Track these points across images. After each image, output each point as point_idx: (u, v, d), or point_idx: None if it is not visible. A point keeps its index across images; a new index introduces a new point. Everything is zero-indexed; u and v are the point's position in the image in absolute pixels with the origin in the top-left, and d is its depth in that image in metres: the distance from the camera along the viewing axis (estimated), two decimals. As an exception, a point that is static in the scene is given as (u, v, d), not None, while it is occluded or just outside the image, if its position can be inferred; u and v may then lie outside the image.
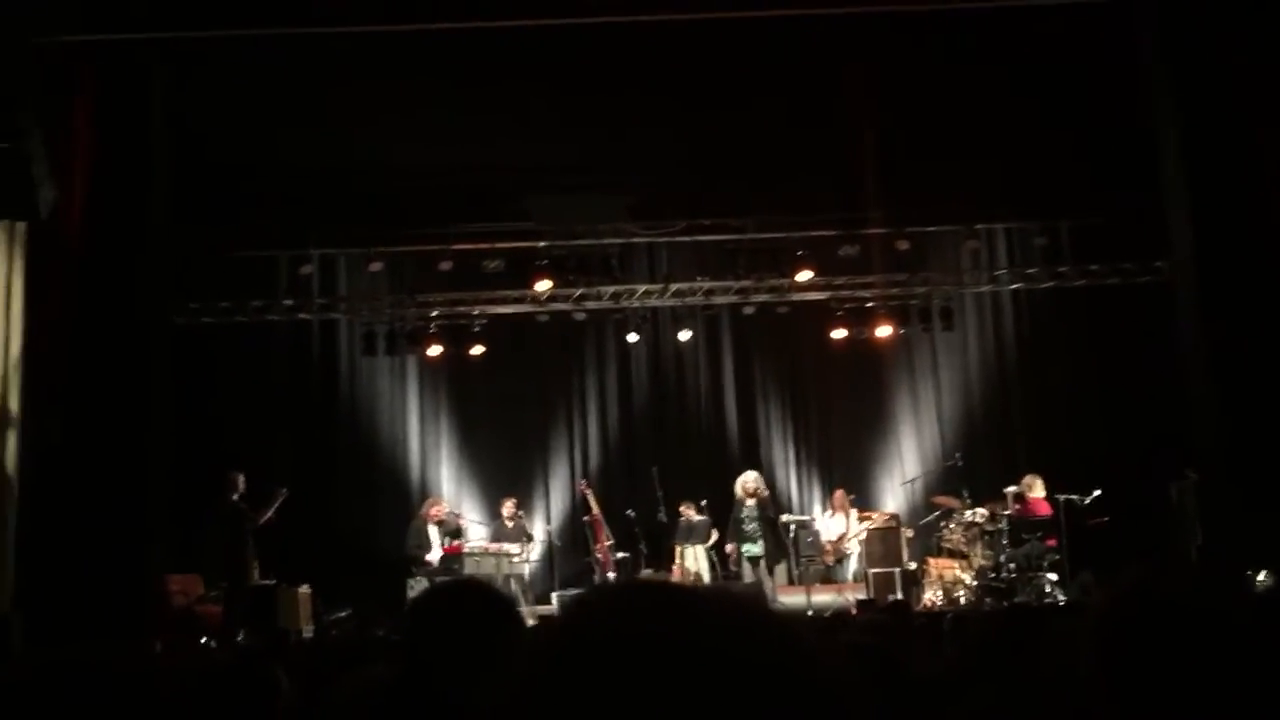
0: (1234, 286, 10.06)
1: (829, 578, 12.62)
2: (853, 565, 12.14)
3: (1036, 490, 11.58)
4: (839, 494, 12.69)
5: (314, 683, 4.25)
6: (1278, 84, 9.70)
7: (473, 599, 1.75)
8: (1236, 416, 9.91)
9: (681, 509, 12.33)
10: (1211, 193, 10.24)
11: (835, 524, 12.46)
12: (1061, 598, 10.56)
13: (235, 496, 10.72)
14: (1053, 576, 10.91)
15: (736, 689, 0.70)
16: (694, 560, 12.12)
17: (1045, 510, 11.36)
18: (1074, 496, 11.29)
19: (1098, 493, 11.26)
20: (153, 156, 9.62)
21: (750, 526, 11.69)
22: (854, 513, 12.48)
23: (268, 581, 10.73)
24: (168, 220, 9.93)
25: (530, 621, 5.34)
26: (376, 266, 12.90)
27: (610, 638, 0.72)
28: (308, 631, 10.64)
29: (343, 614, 10.90)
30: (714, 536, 12.19)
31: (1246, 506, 9.66)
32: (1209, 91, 10.14)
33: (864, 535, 12.09)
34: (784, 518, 12.28)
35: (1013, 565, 11.00)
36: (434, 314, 13.23)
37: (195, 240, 11.21)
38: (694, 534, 11.98)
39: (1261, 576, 8.92)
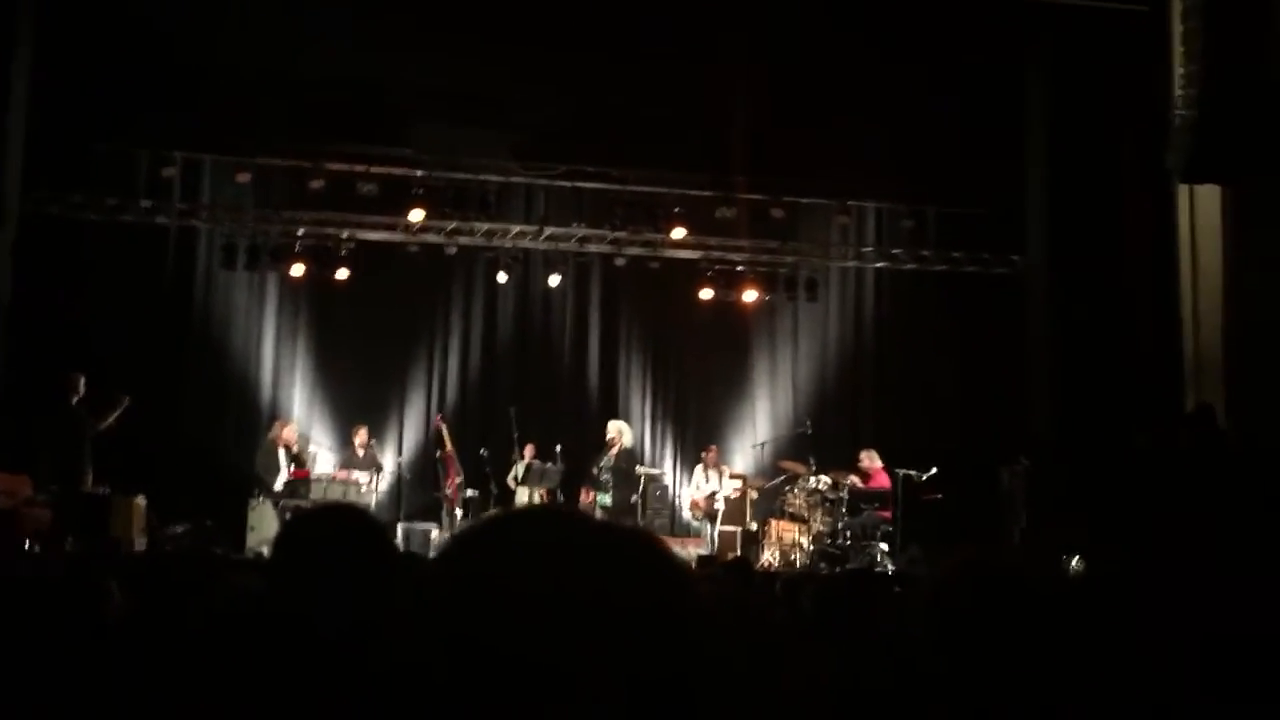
0: (1080, 290, 10.60)
1: (672, 531, 12.89)
2: (718, 523, 12.37)
3: (874, 463, 12.02)
4: (712, 451, 12.89)
5: (151, 595, 4.17)
6: (1144, 104, 10.17)
7: (348, 523, 1.76)
8: (1069, 411, 10.48)
9: (525, 452, 12.37)
10: (1070, 198, 10.74)
11: (707, 481, 12.65)
12: (890, 567, 11.02)
13: (75, 399, 10.32)
14: (884, 547, 11.38)
15: (621, 607, 0.74)
16: (536, 502, 12.16)
17: (884, 483, 11.81)
18: (911, 472, 11.76)
19: (934, 470, 11.74)
20: (17, 31, 9.09)
21: (605, 477, 11.80)
22: (725, 470, 12.74)
23: (102, 489, 10.38)
24: (23, 101, 9.42)
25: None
26: (245, 177, 12.46)
27: (508, 557, 0.76)
28: (140, 544, 10.34)
29: (179, 529, 10.63)
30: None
31: (1069, 496, 10.24)
32: (1079, 103, 10.58)
33: (733, 494, 12.37)
34: (638, 469, 12.43)
35: (849, 533, 11.42)
36: (300, 233, 12.88)
37: (50, 125, 10.65)
38: (545, 479, 12.05)
39: (1074, 563, 9.46)
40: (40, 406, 10.27)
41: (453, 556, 0.78)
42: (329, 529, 1.76)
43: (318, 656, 1.65)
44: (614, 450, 11.85)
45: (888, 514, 11.59)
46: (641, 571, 0.77)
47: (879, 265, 14.21)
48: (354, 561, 1.69)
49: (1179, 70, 9.24)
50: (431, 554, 11.04)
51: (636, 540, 0.80)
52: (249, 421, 12.85)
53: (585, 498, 12.12)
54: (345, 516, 1.81)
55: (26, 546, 9.40)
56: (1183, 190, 9.93)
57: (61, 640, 3.24)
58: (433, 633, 0.74)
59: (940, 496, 11.66)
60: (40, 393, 10.31)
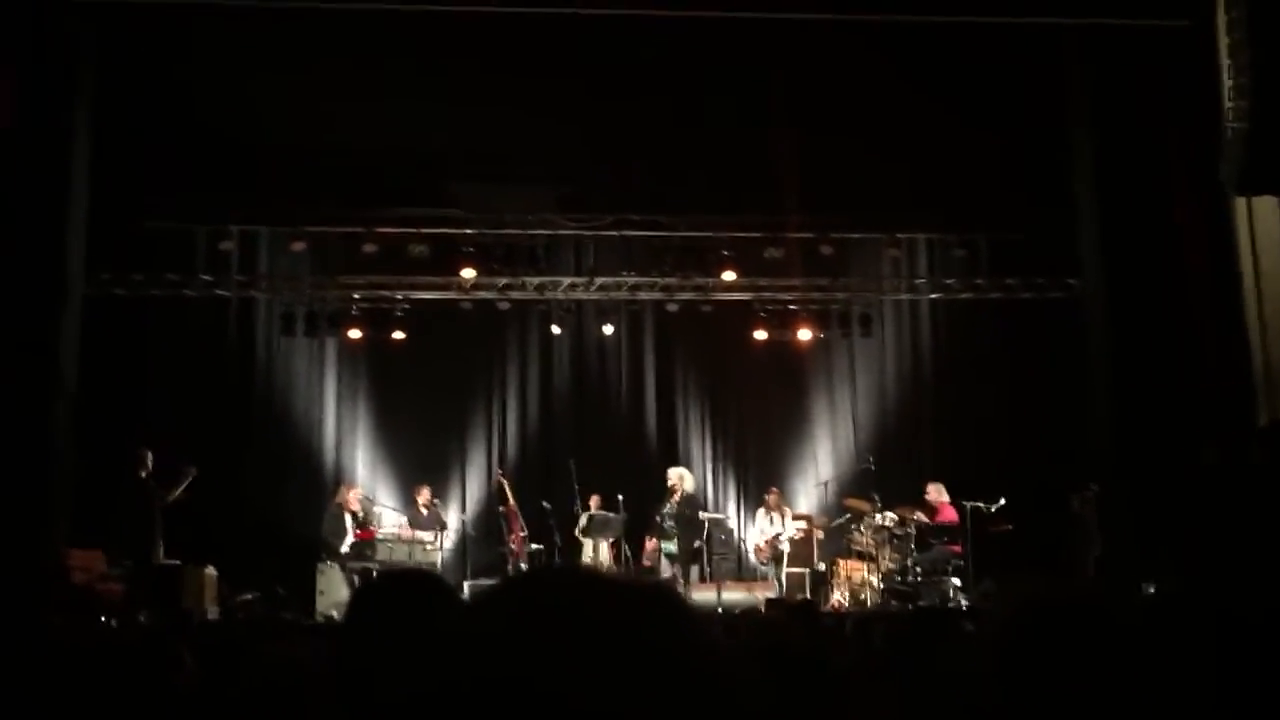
0: (1139, 308, 10.42)
1: (739, 575, 12.78)
2: (784, 565, 12.23)
3: (940, 496, 11.84)
4: (774, 494, 12.76)
5: (221, 664, 4.21)
6: (1191, 118, 10.05)
7: (419, 587, 1.77)
8: (1135, 433, 10.26)
9: (591, 503, 12.36)
10: (1122, 217, 10.59)
11: (771, 524, 12.53)
12: (964, 602, 10.81)
13: (143, 473, 10.51)
14: (956, 581, 11.17)
15: (639, 669, 0.74)
16: (598, 554, 12.13)
17: (952, 517, 11.62)
18: (980, 504, 11.56)
19: (1003, 501, 11.54)
20: (75, 118, 9.38)
21: (669, 524, 11.74)
22: (788, 511, 12.62)
23: (173, 561, 10.53)
24: (85, 186, 9.70)
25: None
26: (300, 246, 12.72)
27: (527, 615, 0.76)
28: (213, 613, 10.46)
29: (249, 596, 10.74)
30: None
31: (1141, 521, 10.01)
32: (1126, 121, 10.47)
33: (797, 535, 12.25)
34: (701, 514, 12.36)
35: (919, 569, 11.24)
36: (356, 297, 13.08)
37: (111, 207, 10.94)
38: (608, 528, 12.02)
39: (1153, 589, 9.23)
40: (110, 482, 10.46)
41: (471, 617, 0.79)
42: (400, 595, 1.76)
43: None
44: (676, 497, 11.80)
45: (958, 548, 11.39)
46: (660, 625, 0.77)
47: (933, 296, 14.10)
48: (425, 628, 1.69)
49: (1228, 83, 9.11)
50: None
51: (654, 593, 0.80)
52: (314, 486, 12.99)
53: (650, 546, 12.06)
54: (417, 582, 1.81)
55: (103, 620, 9.55)
56: (1240, 202, 9.76)
57: (139, 710, 3.28)
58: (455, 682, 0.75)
59: (1010, 527, 11.45)
60: (110, 469, 10.51)
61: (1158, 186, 10.40)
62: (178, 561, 10.55)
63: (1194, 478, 8.83)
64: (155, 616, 9.51)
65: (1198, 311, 10.08)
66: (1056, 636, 1.62)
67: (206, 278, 12.85)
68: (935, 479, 12.07)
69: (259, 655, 2.65)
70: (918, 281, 14.09)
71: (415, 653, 0.78)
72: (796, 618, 4.19)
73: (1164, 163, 10.41)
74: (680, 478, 11.96)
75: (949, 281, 13.81)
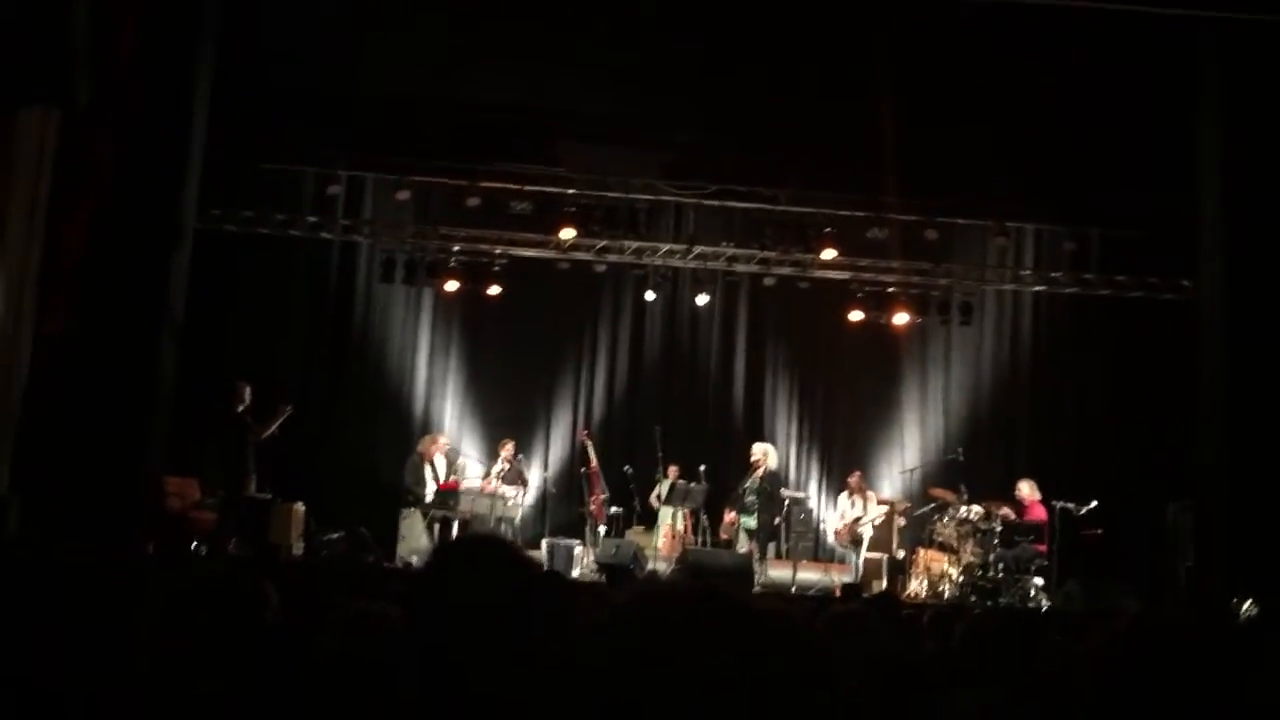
0: (1257, 315, 10.02)
1: (816, 555, 12.71)
2: (864, 549, 12.14)
3: (1032, 494, 11.61)
4: (857, 476, 12.63)
5: (304, 604, 4.29)
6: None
7: (501, 560, 1.76)
8: (1243, 445, 9.91)
9: (670, 472, 12.38)
10: (1247, 220, 10.18)
11: (853, 507, 12.43)
12: (1045, 604, 10.61)
13: (240, 408, 10.78)
14: (1039, 582, 10.95)
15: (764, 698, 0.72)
16: (676, 523, 12.13)
17: (1040, 515, 11.39)
18: (1070, 505, 11.32)
19: (1094, 504, 11.28)
20: (196, 60, 9.58)
21: (750, 499, 11.70)
22: (871, 496, 12.50)
23: (263, 495, 10.82)
24: (204, 124, 9.91)
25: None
26: (404, 195, 12.87)
27: (652, 639, 0.75)
28: (298, 549, 10.75)
29: (334, 535, 10.99)
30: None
31: (1240, 535, 9.69)
32: (1257, 122, 10.04)
33: (880, 520, 12.14)
34: (782, 492, 12.29)
35: (1001, 566, 11.04)
36: (455, 249, 13.21)
37: (225, 146, 11.18)
38: (689, 499, 12.02)
39: (1247, 605, 8.95)
40: (208, 414, 10.76)
41: (608, 631, 0.77)
42: (474, 565, 1.76)
43: (452, 693, 1.64)
44: (759, 472, 11.74)
45: (1043, 548, 11.16)
46: (787, 653, 0.74)
47: (1037, 289, 13.76)
48: (498, 601, 1.68)
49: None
50: (576, 571, 11.14)
51: (779, 621, 0.78)
52: (402, 432, 13.21)
53: (728, 518, 12.05)
54: (492, 551, 1.81)
55: (193, 546, 9.87)
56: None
57: (225, 643, 3.36)
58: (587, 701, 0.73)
59: (1100, 532, 11.18)
60: (210, 400, 10.81)
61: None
62: (269, 495, 10.84)
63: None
64: (244, 547, 9.80)
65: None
66: (1163, 665, 1.55)
67: (312, 219, 13.09)
68: (1027, 476, 11.83)
69: (341, 607, 2.68)
70: (1023, 272, 13.76)
71: (537, 665, 0.77)
72: (875, 611, 4.12)
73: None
74: (765, 453, 11.89)
75: (1056, 274, 13.47)
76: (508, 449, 12.48)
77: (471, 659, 1.57)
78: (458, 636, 1.62)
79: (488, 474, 12.40)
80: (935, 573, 11.34)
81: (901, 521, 12.39)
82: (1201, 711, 1.51)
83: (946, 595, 10.91)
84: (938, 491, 12.18)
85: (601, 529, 12.17)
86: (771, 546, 12.07)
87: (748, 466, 11.92)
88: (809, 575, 11.70)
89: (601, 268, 13.47)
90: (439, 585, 1.74)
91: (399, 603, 2.71)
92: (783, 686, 0.74)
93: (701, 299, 13.71)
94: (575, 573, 11.13)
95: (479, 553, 1.80)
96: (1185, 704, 1.52)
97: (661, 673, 0.73)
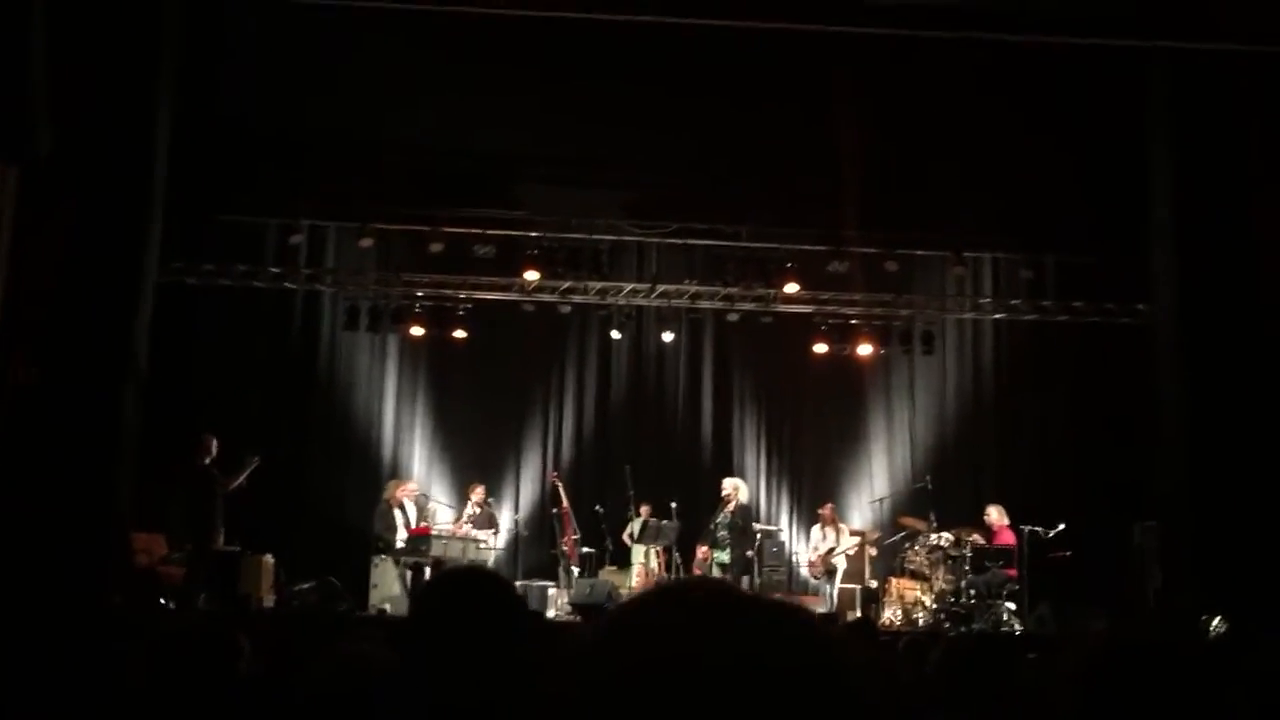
0: (1213, 336, 10.19)
1: (789, 588, 12.71)
2: (838, 580, 12.16)
3: (1001, 519, 11.69)
4: (829, 508, 12.66)
5: (279, 652, 4.27)
6: (1272, 145, 9.83)
7: (484, 588, 1.78)
8: (1202, 465, 10.04)
9: (642, 510, 12.36)
10: (1199, 244, 10.37)
11: (825, 539, 12.45)
12: (1018, 628, 10.66)
13: (207, 460, 10.68)
14: (1011, 606, 11.02)
15: (781, 693, 0.73)
16: (649, 561, 12.11)
17: (1009, 540, 11.47)
18: (1038, 528, 11.41)
19: (1061, 527, 11.38)
20: (156, 111, 9.57)
21: (722, 534, 11.71)
22: (844, 527, 12.53)
23: (232, 548, 10.70)
24: (164, 176, 9.89)
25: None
26: (367, 243, 12.87)
27: (669, 639, 0.76)
28: (269, 600, 10.61)
29: (305, 586, 10.87)
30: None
31: (1205, 553, 9.80)
32: (1207, 148, 10.26)
33: (853, 550, 12.16)
34: (754, 526, 12.31)
35: (973, 592, 11.10)
36: (419, 294, 13.21)
37: (183, 199, 11.14)
38: (661, 536, 12.01)
39: (1214, 625, 9.03)
40: (174, 467, 10.64)
41: (611, 634, 0.78)
42: (466, 594, 1.77)
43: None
44: (730, 507, 11.76)
45: (1013, 572, 11.24)
46: (803, 646, 0.76)
47: (997, 316, 13.94)
48: (490, 628, 1.70)
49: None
50: (551, 613, 11.08)
51: (793, 615, 0.80)
52: (371, 480, 13.12)
53: (701, 554, 12.03)
54: (483, 582, 1.82)
55: (162, 602, 9.72)
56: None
57: (200, 693, 3.33)
58: (595, 712, 0.74)
59: (1069, 554, 11.28)
60: (174, 454, 10.69)
61: (1237, 212, 10.18)
62: (237, 548, 10.72)
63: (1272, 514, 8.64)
64: (214, 601, 9.68)
65: (1276, 342, 9.85)
66: (1144, 675, 1.60)
67: (275, 269, 13.04)
68: (995, 501, 11.92)
69: (327, 650, 2.68)
70: (982, 301, 13.94)
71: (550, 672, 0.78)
72: (854, 635, 4.15)
73: (1245, 188, 10.19)
74: (735, 488, 11.91)
75: (1014, 302, 13.65)
76: (478, 493, 12.42)
77: (470, 686, 1.58)
78: (454, 663, 1.63)
79: (459, 518, 12.33)
80: (908, 600, 11.38)
81: (873, 551, 12.44)
82: (1181, 716, 1.55)
83: (920, 622, 10.94)
84: (907, 520, 12.25)
85: (575, 569, 12.11)
86: (745, 580, 12.04)
87: (718, 502, 11.94)
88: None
89: (566, 309, 13.50)
90: (433, 615, 1.76)
91: (383, 645, 2.72)
92: (805, 681, 0.75)
93: (667, 336, 13.77)
94: (550, 614, 11.07)
95: (469, 585, 1.82)
96: (1162, 715, 1.56)
97: (678, 670, 0.74)
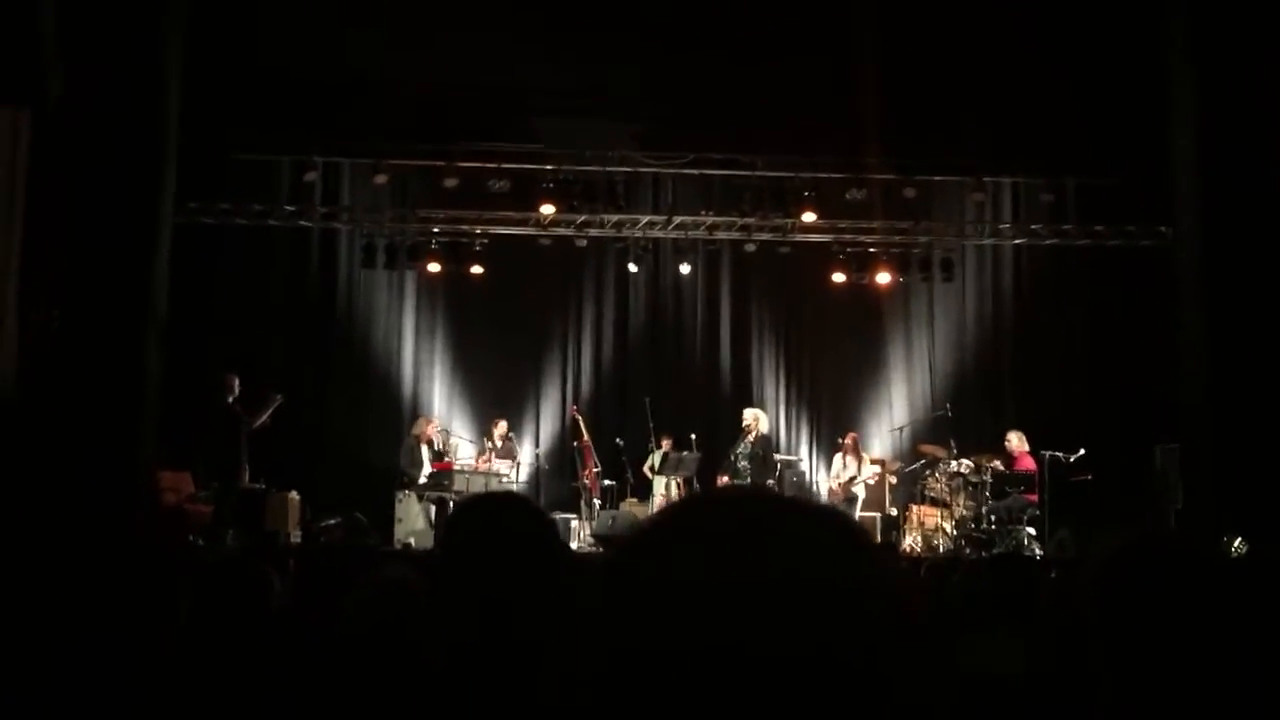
0: (1236, 258, 10.09)
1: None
2: (858, 508, 12.23)
3: (1021, 445, 11.70)
4: (851, 437, 12.67)
5: (308, 587, 4.32)
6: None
7: (513, 511, 1.79)
8: (1223, 387, 10.00)
9: (663, 442, 12.42)
10: (1221, 165, 10.23)
11: (846, 467, 12.49)
12: (1038, 552, 10.72)
13: (230, 399, 10.76)
14: (1031, 531, 11.07)
15: (827, 601, 0.73)
16: (669, 492, 12.20)
17: (1029, 465, 11.49)
18: (1059, 454, 11.42)
19: (1082, 451, 11.38)
20: (166, 50, 9.49)
21: (742, 464, 11.76)
22: (865, 456, 12.57)
23: (257, 485, 10.82)
24: (177, 116, 9.84)
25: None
26: (381, 179, 12.81)
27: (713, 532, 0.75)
28: (295, 536, 10.76)
29: (331, 522, 11.00)
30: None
31: (1226, 475, 9.79)
32: (1229, 68, 10.07)
33: (872, 479, 12.21)
34: (774, 456, 12.36)
35: (993, 517, 11.15)
36: (435, 230, 13.18)
37: (197, 138, 11.09)
38: (681, 467, 12.07)
39: (1236, 544, 9.05)
40: (198, 407, 10.73)
41: (636, 551, 0.77)
42: (499, 516, 1.79)
43: (478, 654, 1.68)
44: (750, 437, 11.79)
45: (1034, 497, 11.27)
46: (839, 552, 0.76)
47: (1017, 242, 13.82)
48: (524, 550, 1.71)
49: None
50: (575, 544, 11.20)
51: (829, 519, 0.79)
52: (392, 416, 13.22)
53: (721, 485, 12.10)
54: (515, 504, 1.84)
55: (191, 539, 9.86)
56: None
57: (232, 627, 3.39)
58: (619, 637, 0.74)
59: (1089, 478, 11.29)
60: (198, 394, 10.78)
61: (1259, 133, 10.02)
62: (262, 485, 10.84)
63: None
64: (242, 538, 9.81)
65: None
66: (1161, 580, 1.60)
67: (290, 208, 13.02)
68: (1015, 427, 11.92)
69: (363, 579, 2.72)
70: (1002, 226, 13.81)
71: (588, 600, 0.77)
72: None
73: (1268, 109, 10.02)
74: (755, 418, 11.94)
75: (1034, 227, 13.52)
76: (501, 427, 12.50)
77: (506, 611, 1.60)
78: (489, 590, 1.65)
79: (481, 452, 12.42)
80: (929, 528, 11.44)
81: (893, 479, 12.48)
82: (1201, 623, 1.56)
83: (941, 549, 11.02)
84: (927, 448, 12.27)
85: (596, 502, 12.22)
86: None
87: (738, 433, 11.98)
88: (804, 537, 11.75)
89: (583, 242, 13.45)
90: (467, 541, 1.77)
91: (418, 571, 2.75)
92: (856, 591, 0.73)
93: (684, 268, 13.72)
94: (573, 546, 11.18)
95: (502, 508, 1.83)
96: (1185, 616, 1.57)
97: (725, 583, 0.72)
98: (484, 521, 1.79)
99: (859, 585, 0.74)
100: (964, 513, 11.32)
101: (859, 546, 0.77)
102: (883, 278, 13.40)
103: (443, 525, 10.56)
